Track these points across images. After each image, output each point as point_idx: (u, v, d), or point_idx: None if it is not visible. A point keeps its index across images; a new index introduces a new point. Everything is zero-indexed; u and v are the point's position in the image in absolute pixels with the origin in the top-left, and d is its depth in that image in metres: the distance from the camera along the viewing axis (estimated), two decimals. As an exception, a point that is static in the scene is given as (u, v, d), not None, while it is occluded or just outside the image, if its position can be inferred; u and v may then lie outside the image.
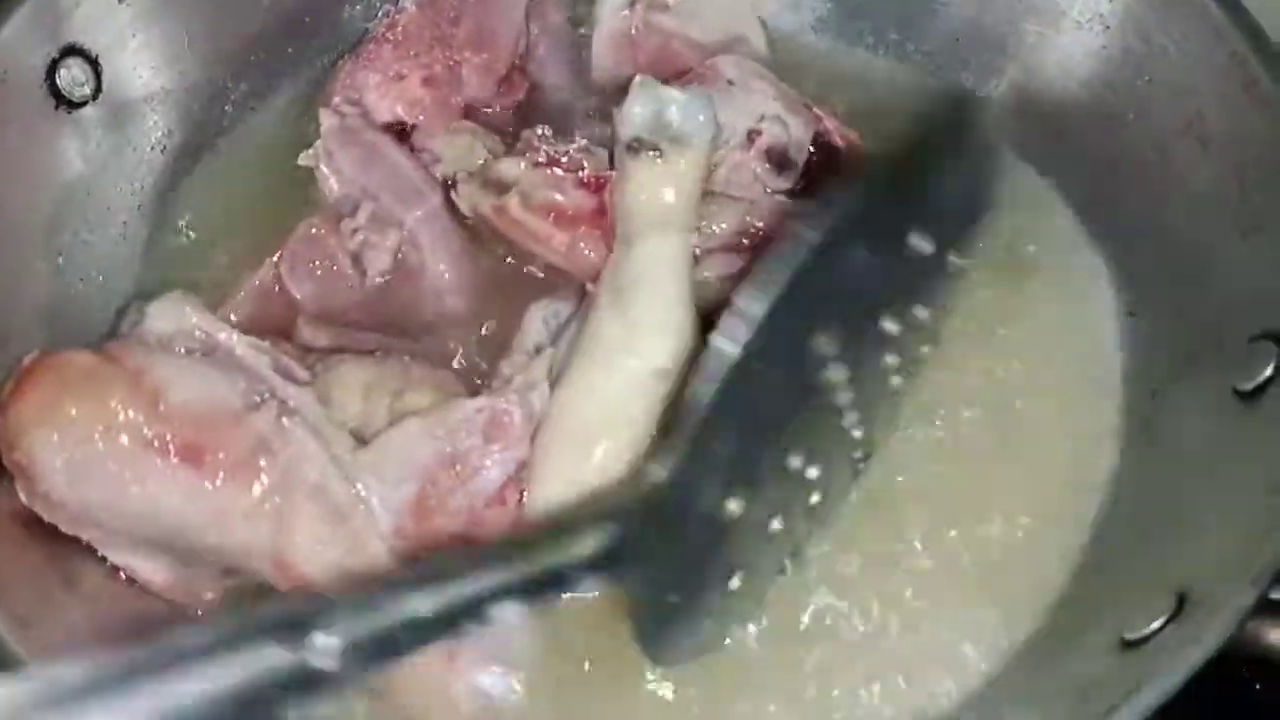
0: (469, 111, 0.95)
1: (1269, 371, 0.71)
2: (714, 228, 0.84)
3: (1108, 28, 0.87)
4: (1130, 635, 0.65)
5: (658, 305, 0.75)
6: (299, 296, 0.86)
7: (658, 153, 0.75)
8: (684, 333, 0.75)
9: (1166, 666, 0.60)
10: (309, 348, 0.82)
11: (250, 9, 0.96)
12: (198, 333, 0.76)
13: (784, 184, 0.86)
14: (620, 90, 0.89)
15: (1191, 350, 0.79)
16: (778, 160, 0.86)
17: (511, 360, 0.78)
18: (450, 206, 0.87)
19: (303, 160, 0.91)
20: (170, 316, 0.76)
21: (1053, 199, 0.91)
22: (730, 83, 0.89)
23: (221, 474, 0.69)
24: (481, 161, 0.87)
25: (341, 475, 0.72)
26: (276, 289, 0.86)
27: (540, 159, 0.83)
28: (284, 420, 0.71)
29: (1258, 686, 0.76)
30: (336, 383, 0.77)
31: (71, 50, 0.84)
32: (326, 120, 0.90)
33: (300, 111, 0.99)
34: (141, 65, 0.90)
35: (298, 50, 1.00)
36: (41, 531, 0.71)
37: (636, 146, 0.75)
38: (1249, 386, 0.72)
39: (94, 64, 0.85)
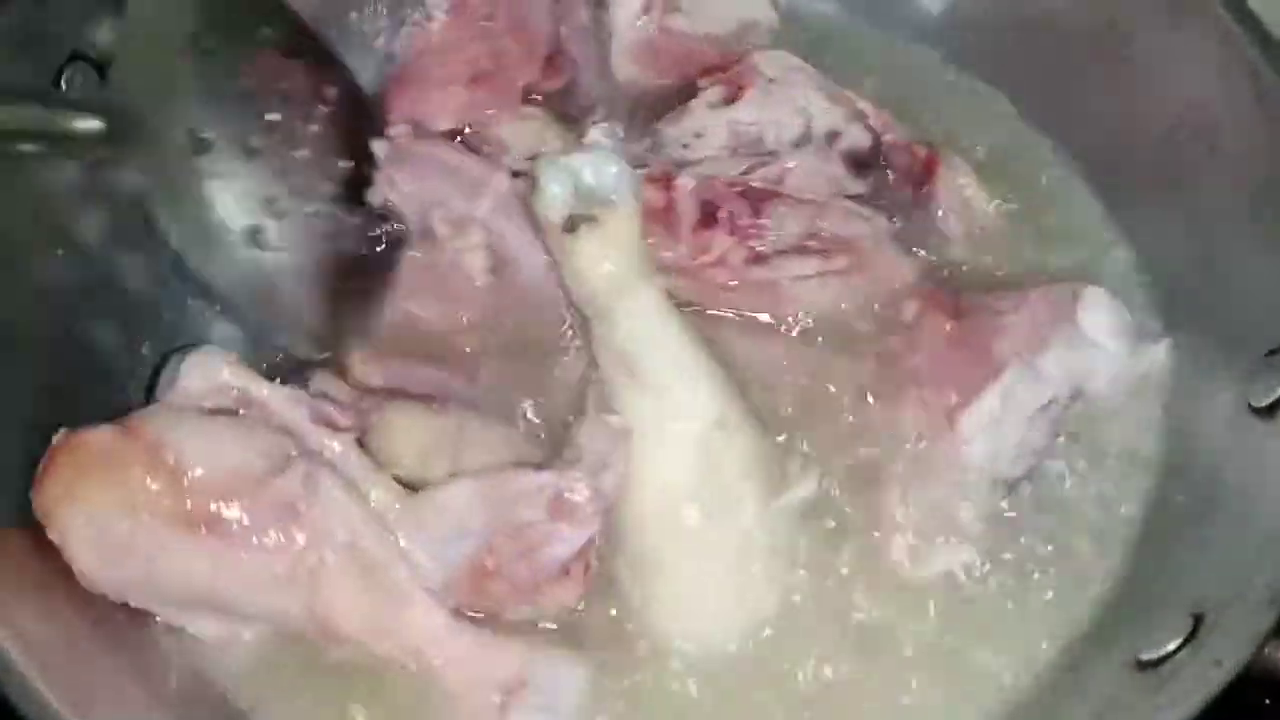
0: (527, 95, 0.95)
1: (1284, 385, 0.71)
2: (780, 231, 0.84)
3: (1118, 31, 0.86)
4: (1146, 656, 0.66)
5: (670, 359, 0.75)
6: (427, 317, 0.86)
7: (592, 220, 0.75)
8: (712, 373, 0.76)
9: (1183, 690, 0.62)
10: (365, 388, 0.82)
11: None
12: (231, 388, 0.76)
13: (860, 188, 0.87)
14: (647, 95, 0.95)
15: (1206, 365, 0.79)
16: (858, 163, 0.87)
17: (589, 428, 0.76)
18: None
19: (372, 199, 0.89)
20: (202, 373, 0.76)
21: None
22: (771, 80, 0.90)
23: (248, 542, 0.69)
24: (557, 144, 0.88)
25: (377, 529, 0.72)
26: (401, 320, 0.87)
27: None
28: (313, 478, 0.71)
29: (1268, 702, 0.76)
30: (389, 434, 0.78)
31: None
32: (380, 151, 0.89)
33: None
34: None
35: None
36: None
37: (571, 225, 0.75)
38: (1265, 402, 0.72)
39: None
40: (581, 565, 0.74)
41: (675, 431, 0.74)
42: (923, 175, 0.90)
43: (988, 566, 0.76)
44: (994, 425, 0.76)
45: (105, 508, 0.69)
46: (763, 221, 0.84)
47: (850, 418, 0.81)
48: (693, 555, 0.74)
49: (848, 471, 0.78)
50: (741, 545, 0.74)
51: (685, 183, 0.83)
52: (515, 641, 0.73)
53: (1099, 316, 0.78)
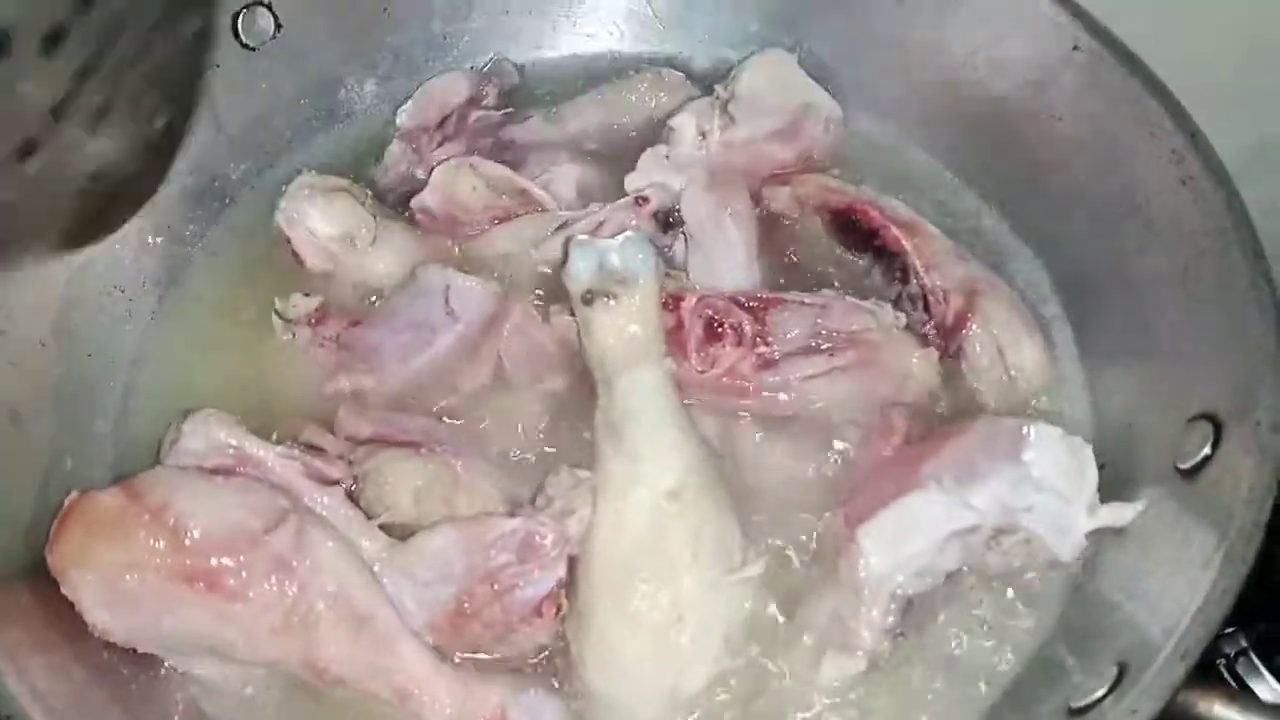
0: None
1: (1207, 450, 0.75)
2: (785, 333, 0.88)
3: (1060, 120, 0.93)
4: (1076, 704, 0.71)
5: (650, 432, 0.79)
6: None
7: (610, 298, 0.81)
8: (684, 450, 0.79)
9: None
10: (354, 439, 0.86)
11: (252, 97, 1.02)
12: (229, 447, 0.81)
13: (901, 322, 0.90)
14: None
15: (1137, 426, 0.84)
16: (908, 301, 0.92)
17: (558, 479, 0.81)
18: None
19: None
20: (202, 434, 0.82)
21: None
22: None
23: (244, 596, 0.74)
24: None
25: (365, 577, 0.77)
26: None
27: None
28: (304, 533, 0.76)
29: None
30: (383, 480, 0.83)
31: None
32: None
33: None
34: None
35: (294, 130, 1.06)
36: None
37: (590, 298, 0.82)
38: (1188, 465, 0.76)
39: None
40: (552, 605, 0.78)
41: (632, 496, 0.78)
42: (954, 328, 0.90)
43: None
44: (893, 541, 0.75)
45: (113, 567, 0.73)
46: (766, 328, 0.87)
47: (811, 517, 0.84)
48: (625, 616, 0.76)
49: (803, 569, 0.82)
50: (674, 615, 0.75)
51: (688, 302, 0.87)
52: (496, 679, 0.77)
53: (1046, 458, 0.76)
